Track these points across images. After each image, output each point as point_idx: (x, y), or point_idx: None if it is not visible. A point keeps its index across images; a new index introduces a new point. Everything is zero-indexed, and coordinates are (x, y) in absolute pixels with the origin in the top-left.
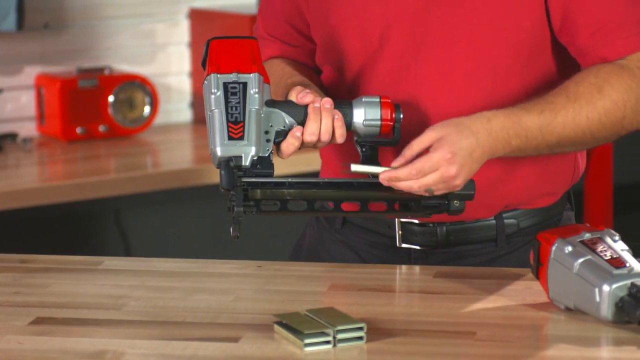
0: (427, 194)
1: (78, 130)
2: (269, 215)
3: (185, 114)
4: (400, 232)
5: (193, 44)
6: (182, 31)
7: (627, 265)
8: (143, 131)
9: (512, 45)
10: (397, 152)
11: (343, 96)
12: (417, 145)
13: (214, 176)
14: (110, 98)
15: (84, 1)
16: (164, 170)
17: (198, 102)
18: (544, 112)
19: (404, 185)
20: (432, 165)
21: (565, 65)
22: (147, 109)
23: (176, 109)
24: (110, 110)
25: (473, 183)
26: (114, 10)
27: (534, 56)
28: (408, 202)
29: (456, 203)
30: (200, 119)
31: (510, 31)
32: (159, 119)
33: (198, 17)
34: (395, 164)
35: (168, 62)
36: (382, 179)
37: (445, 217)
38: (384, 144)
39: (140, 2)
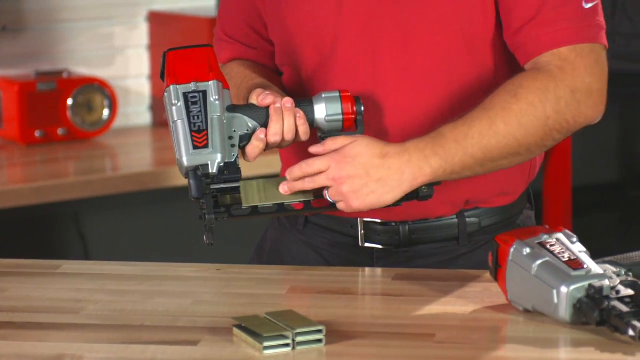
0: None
1: (37, 133)
2: (240, 219)
3: (144, 117)
4: (362, 231)
5: (152, 47)
6: (141, 34)
7: (585, 266)
8: (102, 134)
9: (466, 38)
10: None
11: (304, 97)
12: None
13: (174, 179)
14: (69, 101)
15: (42, 4)
16: (123, 173)
17: (157, 105)
18: (457, 127)
19: (299, 186)
20: (322, 163)
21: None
22: (106, 112)
23: (135, 112)
24: (69, 114)
25: None
26: (72, 13)
27: (489, 50)
28: None
29: (424, 189)
30: (159, 122)
31: (463, 24)
32: (118, 122)
33: (157, 20)
34: (292, 173)
35: (127, 65)
36: (283, 191)
37: (408, 216)
38: None
39: (99, 5)
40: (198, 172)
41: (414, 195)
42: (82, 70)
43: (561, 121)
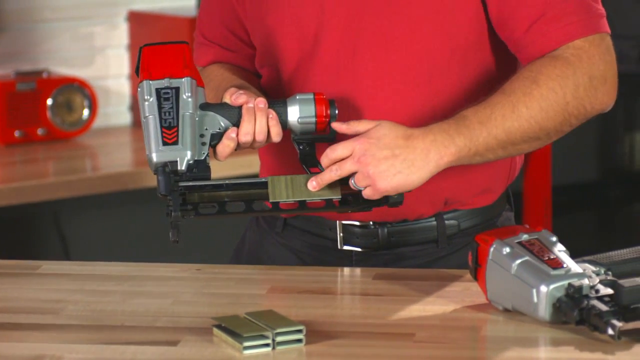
0: (355, 187)
1: (16, 133)
2: (207, 218)
3: (124, 117)
4: (341, 234)
5: (132, 47)
6: (121, 34)
7: (565, 266)
8: (82, 134)
9: (448, 40)
10: (323, 149)
11: (283, 98)
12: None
13: (154, 179)
14: (49, 101)
15: (21, 4)
16: (103, 173)
17: (137, 105)
18: (479, 110)
19: (327, 177)
20: (345, 147)
21: (503, 62)
22: (85, 112)
23: (115, 112)
24: (48, 114)
25: None
26: (52, 13)
27: (471, 51)
28: (346, 196)
29: (394, 195)
30: (139, 122)
31: (445, 26)
32: (98, 122)
33: (137, 19)
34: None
35: (107, 65)
36: (312, 187)
37: (387, 217)
38: (321, 140)
39: (79, 4)
40: (167, 169)
41: (383, 202)
42: (62, 70)
43: (579, 107)
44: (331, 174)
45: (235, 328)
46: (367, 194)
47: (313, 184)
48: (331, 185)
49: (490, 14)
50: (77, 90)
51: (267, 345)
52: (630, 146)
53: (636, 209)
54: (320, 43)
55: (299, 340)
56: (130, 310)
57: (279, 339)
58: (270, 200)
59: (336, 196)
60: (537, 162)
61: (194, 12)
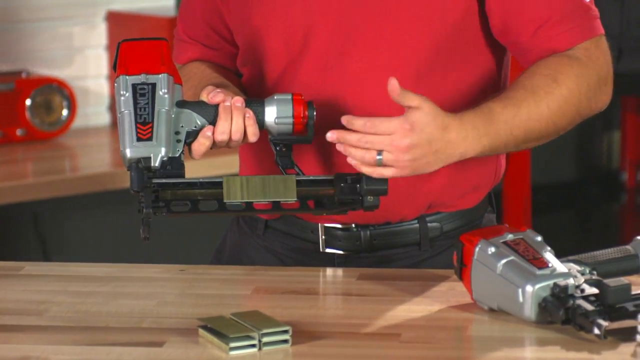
0: (368, 165)
1: None
2: (180, 216)
3: (103, 117)
4: (323, 236)
5: (111, 47)
6: (100, 34)
7: (550, 265)
8: (61, 135)
9: (436, 41)
10: (313, 150)
11: (265, 97)
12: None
13: None
14: (28, 102)
15: (0, 4)
16: (82, 174)
17: (116, 106)
18: (506, 107)
19: (354, 141)
20: (388, 127)
21: (492, 62)
22: (65, 113)
23: (94, 112)
24: (27, 114)
25: (386, 179)
26: (30, 13)
27: (459, 52)
28: (322, 198)
29: (370, 198)
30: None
31: (434, 28)
32: (77, 123)
33: (116, 19)
34: (354, 121)
35: (86, 65)
36: (330, 138)
37: (370, 220)
38: (298, 141)
39: (57, 4)
40: (140, 165)
41: (359, 206)
42: (41, 70)
43: (587, 107)
44: (359, 142)
45: (221, 329)
46: (387, 173)
47: (334, 137)
48: (287, 186)
49: (492, 19)
50: (56, 90)
51: (253, 345)
52: (608, 145)
53: (614, 208)
54: (309, 43)
55: (285, 341)
56: (115, 311)
57: (265, 339)
58: (225, 200)
59: (291, 198)
60: (516, 162)
61: (173, 12)
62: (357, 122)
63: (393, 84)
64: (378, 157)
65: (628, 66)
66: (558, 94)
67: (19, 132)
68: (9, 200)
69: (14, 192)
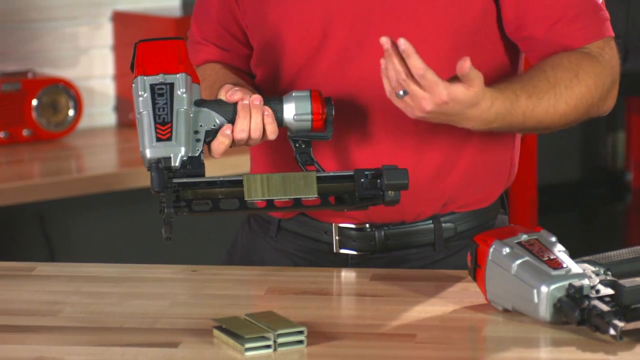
0: (397, 93)
1: (1, 134)
2: (201, 215)
3: (109, 118)
4: (337, 237)
5: (117, 47)
6: (106, 34)
7: (565, 266)
8: (67, 135)
9: (455, 36)
10: (332, 147)
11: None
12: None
13: (139, 180)
14: (34, 102)
15: (6, 4)
16: (88, 175)
17: (122, 106)
18: (531, 98)
19: (396, 64)
20: (429, 86)
21: (508, 59)
22: (71, 113)
23: (100, 112)
24: (34, 114)
25: (406, 173)
26: (36, 14)
27: (477, 48)
28: (342, 194)
29: (391, 193)
30: (124, 122)
31: (452, 23)
32: (83, 123)
33: (121, 20)
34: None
35: (91, 66)
36: (384, 43)
37: (385, 219)
38: (317, 138)
39: (63, 5)
40: (160, 165)
41: (380, 200)
42: (47, 70)
43: (597, 108)
44: (399, 74)
45: (236, 329)
46: (407, 111)
47: (387, 46)
48: (307, 183)
49: (506, 14)
50: (62, 90)
51: (268, 346)
52: (613, 146)
53: (618, 208)
54: (327, 39)
55: (300, 342)
56: (129, 312)
57: (281, 340)
58: (246, 199)
59: (312, 194)
60: (523, 162)
61: (179, 13)
62: (413, 62)
63: (467, 63)
64: (401, 93)
65: (633, 67)
66: (577, 91)
67: (25, 132)
68: (15, 201)
69: (20, 193)
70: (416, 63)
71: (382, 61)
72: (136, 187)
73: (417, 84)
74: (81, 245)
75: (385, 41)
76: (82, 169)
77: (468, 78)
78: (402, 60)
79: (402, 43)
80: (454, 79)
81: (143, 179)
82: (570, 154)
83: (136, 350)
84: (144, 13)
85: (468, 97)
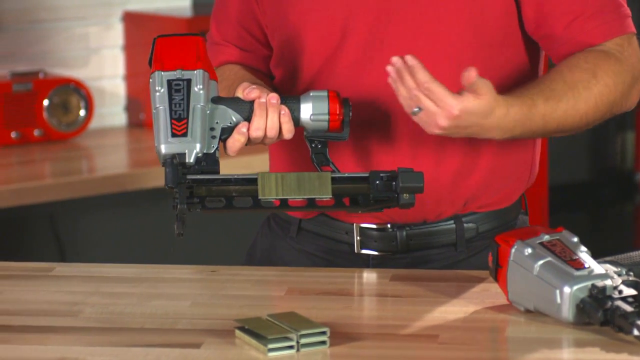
0: (412, 112)
1: (13, 134)
2: (214, 212)
3: (119, 118)
4: (358, 237)
5: (127, 47)
6: (116, 34)
7: (587, 266)
8: (78, 135)
9: (476, 36)
10: (351, 148)
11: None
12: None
13: (150, 181)
14: (45, 102)
15: (17, 4)
16: (99, 175)
17: (132, 106)
18: (548, 101)
19: (407, 80)
20: (441, 100)
21: (529, 59)
22: (82, 113)
23: (110, 112)
24: (45, 115)
25: (421, 176)
26: (47, 14)
27: (498, 48)
28: (357, 196)
29: (405, 196)
30: (134, 122)
31: (474, 22)
32: (93, 123)
33: (132, 20)
34: (418, 73)
35: (102, 66)
36: (394, 62)
37: (407, 218)
38: (334, 138)
39: (74, 5)
40: (175, 161)
41: (394, 203)
42: (58, 70)
43: (619, 105)
44: (410, 90)
45: (258, 330)
46: (425, 126)
47: (396, 65)
48: (322, 183)
49: (526, 12)
50: (73, 91)
51: (291, 347)
52: (622, 146)
53: (628, 208)
54: (347, 37)
55: (323, 342)
56: (149, 313)
57: (303, 340)
58: (259, 197)
59: (326, 195)
60: None
61: (189, 13)
62: (419, 76)
63: (472, 73)
64: (415, 110)
65: None
66: (596, 90)
67: (36, 132)
68: (26, 202)
69: (31, 193)
70: (422, 77)
71: (391, 80)
72: (147, 187)
73: (428, 98)
74: (92, 245)
75: (395, 60)
76: (92, 169)
77: (476, 87)
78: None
79: (409, 59)
80: (463, 92)
81: (154, 180)
82: (579, 154)
83: (159, 350)
84: (154, 13)
85: (480, 107)
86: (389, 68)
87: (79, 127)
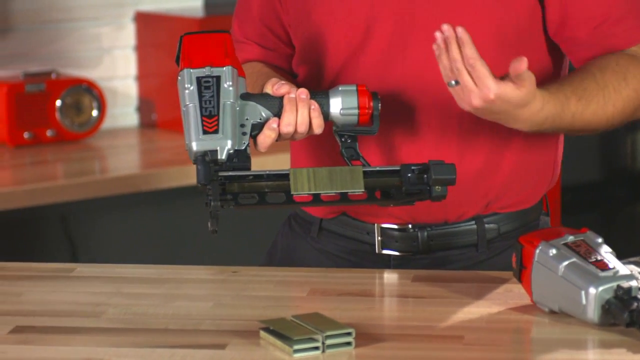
0: (449, 83)
1: (25, 135)
2: (247, 208)
3: (131, 118)
4: (379, 237)
5: (139, 48)
6: (128, 34)
7: (612, 267)
8: (91, 136)
9: (499, 35)
10: (374, 143)
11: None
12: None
13: (162, 182)
14: (58, 102)
15: (29, 5)
16: (112, 176)
17: (144, 106)
18: (580, 100)
19: (454, 51)
20: (480, 78)
21: (553, 61)
22: (94, 113)
23: (122, 113)
24: (57, 115)
25: (454, 167)
26: (59, 14)
27: (522, 48)
28: (389, 189)
29: (438, 188)
30: (146, 123)
31: (497, 22)
32: (105, 124)
33: (144, 20)
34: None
35: (114, 66)
36: (445, 30)
37: (428, 219)
38: (363, 132)
39: (86, 5)
40: (206, 158)
41: (426, 196)
42: (70, 71)
43: None
44: (453, 62)
45: (284, 331)
46: (459, 100)
47: (445, 34)
48: (354, 177)
49: (550, 14)
50: (85, 91)
51: (316, 348)
52: (632, 146)
53: (639, 209)
54: (371, 36)
55: (349, 344)
56: (172, 314)
57: (329, 341)
58: (292, 193)
59: (359, 189)
60: None
61: (201, 13)
62: (467, 50)
63: (523, 65)
64: (452, 82)
65: None
66: (625, 94)
67: (49, 133)
68: (38, 202)
69: (43, 194)
70: (469, 52)
71: (435, 47)
72: (159, 188)
73: (469, 75)
74: (104, 246)
75: (446, 28)
76: (105, 170)
77: (520, 78)
78: (460, 48)
79: (460, 31)
80: (505, 77)
81: (166, 180)
82: (590, 154)
83: (184, 352)
84: (166, 13)
85: (517, 97)
86: (437, 34)
87: (92, 127)
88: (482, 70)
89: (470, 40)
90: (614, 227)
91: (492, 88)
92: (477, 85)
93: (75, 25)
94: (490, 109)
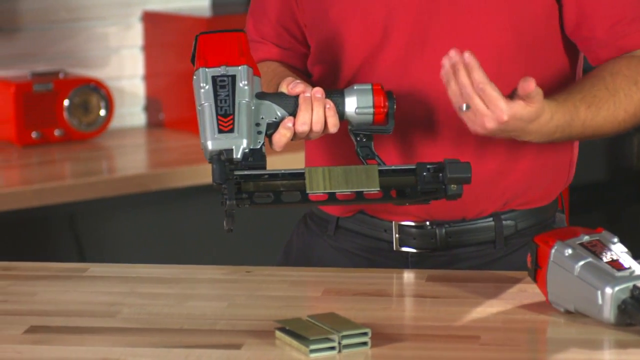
0: (460, 108)
1: (33, 135)
2: (263, 207)
3: (139, 118)
4: (397, 235)
5: (147, 47)
6: (136, 34)
7: (628, 267)
8: (98, 135)
9: (517, 36)
10: (391, 142)
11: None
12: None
13: (170, 181)
14: (66, 102)
15: (37, 4)
16: (119, 175)
17: (151, 106)
18: (590, 108)
19: (462, 77)
20: (491, 102)
21: (570, 62)
22: (102, 113)
23: (129, 112)
24: (65, 115)
25: (469, 166)
26: (67, 14)
27: (540, 49)
28: (404, 188)
29: (453, 187)
30: (154, 122)
31: (515, 22)
32: (113, 123)
33: (152, 20)
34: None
35: (122, 66)
36: (451, 56)
37: (446, 216)
38: (378, 131)
39: (94, 5)
40: (222, 157)
41: (442, 194)
42: (78, 70)
43: None
44: (462, 87)
45: (300, 331)
46: (469, 125)
47: (452, 60)
48: (369, 176)
49: (567, 13)
50: (93, 91)
51: (332, 348)
52: (638, 146)
53: None
54: (389, 36)
55: (365, 344)
56: (187, 313)
57: (345, 341)
58: (307, 191)
59: (374, 187)
60: None
61: (209, 13)
62: (475, 75)
63: (531, 85)
64: (464, 107)
65: None
66: (637, 98)
67: (56, 132)
68: (46, 202)
69: (51, 194)
70: (478, 77)
71: (443, 74)
72: (166, 187)
73: (480, 99)
74: (112, 245)
75: (453, 55)
76: (113, 169)
77: (529, 96)
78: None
79: (467, 56)
80: (513, 94)
81: (174, 180)
82: (595, 154)
83: (199, 352)
84: (173, 13)
85: (528, 114)
86: (444, 60)
87: (99, 127)
88: (493, 93)
89: (477, 65)
90: (621, 227)
91: (505, 109)
92: (489, 108)
93: (83, 25)
94: (504, 129)
